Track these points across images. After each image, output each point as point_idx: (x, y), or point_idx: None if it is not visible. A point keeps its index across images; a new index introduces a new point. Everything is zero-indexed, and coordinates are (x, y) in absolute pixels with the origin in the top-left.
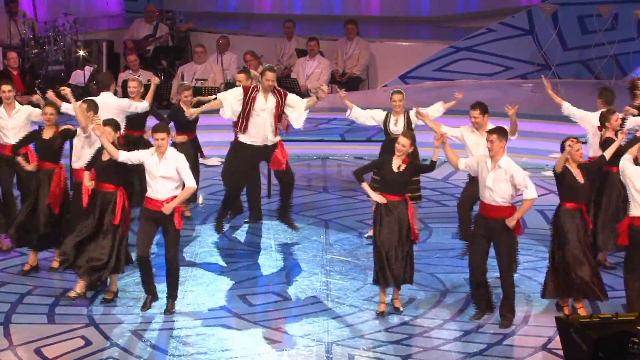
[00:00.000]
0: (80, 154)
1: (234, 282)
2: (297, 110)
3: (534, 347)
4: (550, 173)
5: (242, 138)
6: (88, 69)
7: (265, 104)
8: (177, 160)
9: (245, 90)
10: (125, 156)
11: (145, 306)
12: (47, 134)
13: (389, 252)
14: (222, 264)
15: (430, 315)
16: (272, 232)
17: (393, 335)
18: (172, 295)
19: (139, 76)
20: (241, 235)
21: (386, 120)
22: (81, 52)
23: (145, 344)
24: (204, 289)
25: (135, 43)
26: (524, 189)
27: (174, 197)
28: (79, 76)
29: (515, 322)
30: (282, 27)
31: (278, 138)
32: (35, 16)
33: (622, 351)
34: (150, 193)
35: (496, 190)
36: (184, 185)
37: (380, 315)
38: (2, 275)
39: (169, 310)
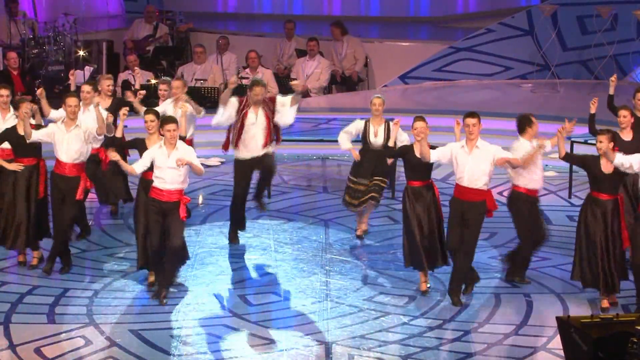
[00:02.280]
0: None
1: (234, 282)
2: (283, 110)
3: (534, 347)
4: (549, 173)
5: (237, 154)
6: (88, 69)
7: (255, 119)
8: (187, 152)
9: (240, 102)
10: (141, 166)
11: (162, 294)
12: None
13: (420, 239)
14: (222, 264)
15: (430, 315)
16: (272, 232)
17: (393, 335)
18: (163, 283)
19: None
20: (241, 235)
21: (365, 130)
22: (81, 52)
23: (146, 343)
24: (203, 289)
25: (135, 43)
26: (507, 155)
27: (181, 189)
28: (79, 76)
29: (515, 322)
30: (282, 27)
31: (271, 149)
32: (35, 16)
33: (622, 351)
34: (157, 183)
35: (476, 172)
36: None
37: (425, 293)
38: (2, 275)
39: (163, 297)
